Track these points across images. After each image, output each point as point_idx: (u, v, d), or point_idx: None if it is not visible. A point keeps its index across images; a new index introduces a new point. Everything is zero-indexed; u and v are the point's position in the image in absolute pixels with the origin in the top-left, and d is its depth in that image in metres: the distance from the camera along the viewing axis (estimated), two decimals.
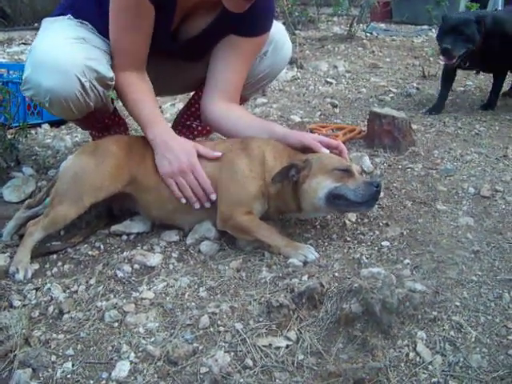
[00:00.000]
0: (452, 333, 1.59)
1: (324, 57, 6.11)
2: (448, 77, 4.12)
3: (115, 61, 2.29)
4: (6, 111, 2.75)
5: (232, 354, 1.56)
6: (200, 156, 2.16)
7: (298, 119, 3.82)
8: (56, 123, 3.84)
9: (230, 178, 2.11)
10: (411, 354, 1.53)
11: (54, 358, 1.58)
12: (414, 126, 3.39)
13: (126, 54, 2.27)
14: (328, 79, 5.09)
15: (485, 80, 4.68)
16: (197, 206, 2.12)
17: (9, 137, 2.81)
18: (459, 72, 4.25)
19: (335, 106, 4.19)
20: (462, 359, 1.50)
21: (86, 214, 2.17)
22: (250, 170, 2.10)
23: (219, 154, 2.16)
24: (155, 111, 2.29)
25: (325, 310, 1.68)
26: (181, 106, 3.34)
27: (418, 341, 1.56)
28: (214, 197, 2.11)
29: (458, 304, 1.70)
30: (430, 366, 1.49)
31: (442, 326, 1.61)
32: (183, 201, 2.12)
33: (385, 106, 3.89)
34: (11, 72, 3.73)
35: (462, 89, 4.60)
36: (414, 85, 4.80)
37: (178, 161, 2.12)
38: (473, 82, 4.68)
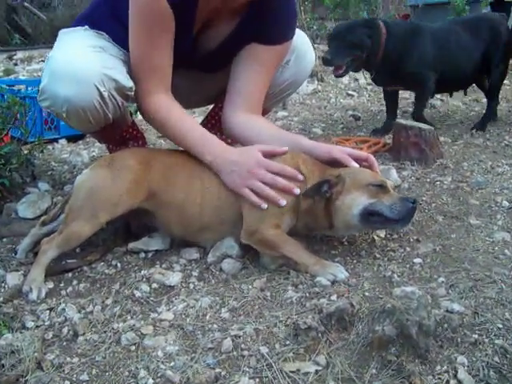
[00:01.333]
0: (496, 358, 1.45)
1: None
2: (387, 97, 3.86)
3: (142, 84, 2.19)
4: (22, 126, 2.69)
5: (257, 380, 1.44)
6: (267, 156, 2.04)
7: (319, 132, 3.75)
8: (73, 138, 3.79)
9: None
10: (452, 382, 1.39)
11: (67, 383, 1.47)
12: (441, 138, 3.30)
13: (153, 73, 2.17)
14: (349, 92, 5.02)
15: (511, 91, 4.56)
16: (283, 202, 1.93)
17: (25, 152, 2.75)
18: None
19: (358, 119, 4.10)
20: None
21: (102, 230, 2.08)
22: None
23: (285, 148, 2.05)
24: (201, 132, 2.16)
25: (356, 333, 1.56)
26: (199, 119, 3.26)
27: (458, 367, 1.43)
28: (301, 177, 1.97)
29: (500, 326, 1.56)
30: None
31: (485, 351, 1.48)
32: (264, 206, 1.93)
33: (409, 118, 3.79)
34: (29, 88, 3.72)
35: None
36: (438, 96, 4.70)
37: (245, 166, 1.98)
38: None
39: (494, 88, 3.81)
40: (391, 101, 3.84)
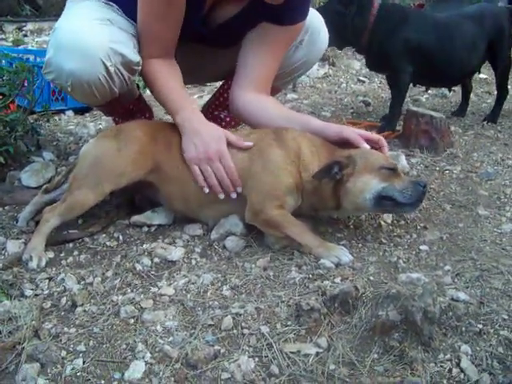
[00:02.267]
0: (500, 349, 1.43)
1: (356, 55, 5.95)
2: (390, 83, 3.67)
3: (142, 48, 2.17)
4: (29, 94, 2.64)
5: (256, 359, 1.43)
6: (230, 145, 2.03)
7: (329, 116, 3.70)
8: (80, 110, 3.75)
9: (261, 168, 1.97)
10: (454, 370, 1.38)
11: (63, 353, 1.46)
12: (452, 128, 3.25)
13: (154, 41, 2.15)
14: (360, 78, 4.97)
15: None
16: (221, 196, 1.99)
17: (31, 121, 2.71)
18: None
19: (368, 105, 4.05)
20: None
21: (105, 202, 2.06)
22: (282, 161, 1.97)
23: (250, 144, 2.03)
24: (183, 95, 2.16)
25: (359, 317, 1.54)
26: (208, 98, 3.23)
27: (462, 355, 1.41)
28: (240, 189, 1.98)
29: (505, 317, 1.54)
30: None
31: (489, 341, 1.46)
32: (206, 190, 1.98)
33: (420, 107, 3.74)
34: (38, 58, 3.67)
35: None
36: None
37: (206, 146, 1.99)
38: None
39: (504, 80, 3.75)
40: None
